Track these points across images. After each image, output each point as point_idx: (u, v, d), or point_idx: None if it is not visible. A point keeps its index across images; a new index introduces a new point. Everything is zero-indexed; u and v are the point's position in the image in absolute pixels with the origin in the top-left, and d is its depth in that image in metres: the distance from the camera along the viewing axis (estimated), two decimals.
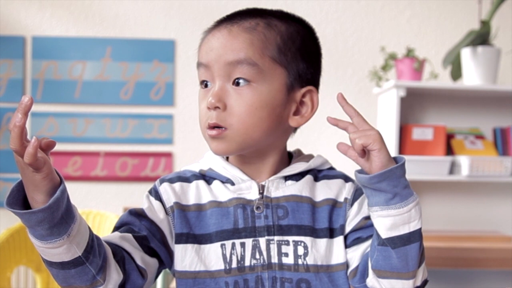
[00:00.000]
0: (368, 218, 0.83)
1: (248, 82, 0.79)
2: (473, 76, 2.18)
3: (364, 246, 0.82)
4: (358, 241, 0.83)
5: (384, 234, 0.74)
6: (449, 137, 2.36)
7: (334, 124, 0.77)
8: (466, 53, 2.18)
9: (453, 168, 2.27)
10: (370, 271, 0.79)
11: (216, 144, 0.80)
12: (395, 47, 2.40)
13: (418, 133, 2.25)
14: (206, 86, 0.82)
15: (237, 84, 0.79)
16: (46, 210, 0.64)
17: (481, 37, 2.15)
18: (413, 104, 2.39)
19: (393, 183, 0.72)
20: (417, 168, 2.20)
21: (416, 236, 0.74)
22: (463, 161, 2.20)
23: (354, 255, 0.83)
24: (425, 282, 0.80)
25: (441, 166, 2.22)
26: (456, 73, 2.28)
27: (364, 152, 0.73)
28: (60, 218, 0.66)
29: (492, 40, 2.19)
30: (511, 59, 2.41)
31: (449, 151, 2.34)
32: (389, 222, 0.73)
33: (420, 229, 0.75)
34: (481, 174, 2.20)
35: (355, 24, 2.52)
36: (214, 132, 0.79)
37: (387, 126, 2.27)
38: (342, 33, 2.51)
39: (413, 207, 0.73)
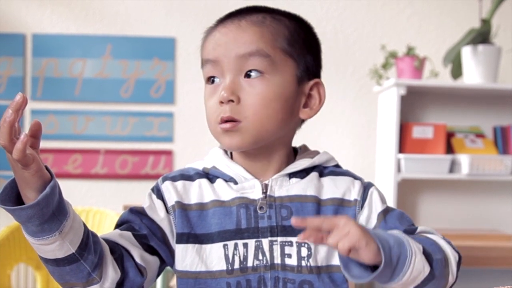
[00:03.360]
0: (382, 213, 0.82)
1: (261, 73, 0.78)
2: (473, 74, 2.17)
3: None
4: None
5: None
6: (449, 135, 2.35)
7: (299, 226, 0.68)
8: (466, 52, 2.17)
9: (453, 166, 2.27)
10: None
11: (230, 138, 0.79)
12: (395, 45, 2.40)
13: (419, 132, 2.25)
14: (213, 82, 0.81)
15: (249, 76, 0.78)
16: (34, 207, 0.64)
17: (481, 36, 2.15)
18: (414, 102, 2.39)
19: (390, 270, 0.68)
20: (417, 166, 2.19)
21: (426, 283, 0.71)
22: (463, 159, 2.20)
23: None
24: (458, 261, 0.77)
25: (441, 165, 2.22)
26: (457, 72, 2.28)
27: (350, 250, 0.67)
28: (51, 214, 0.66)
29: (493, 39, 2.18)
30: (511, 57, 2.41)
31: (449, 149, 2.33)
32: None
33: (428, 274, 0.71)
34: (481, 172, 2.20)
35: (355, 22, 2.51)
36: (228, 125, 0.77)
37: (388, 124, 2.27)
38: (343, 31, 2.51)
39: (412, 270, 0.69)
